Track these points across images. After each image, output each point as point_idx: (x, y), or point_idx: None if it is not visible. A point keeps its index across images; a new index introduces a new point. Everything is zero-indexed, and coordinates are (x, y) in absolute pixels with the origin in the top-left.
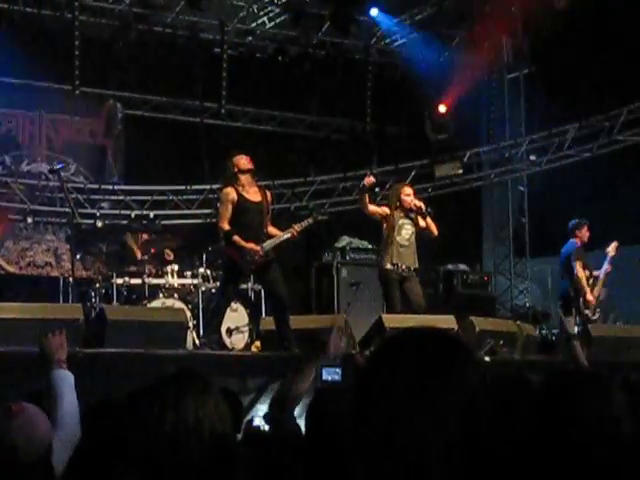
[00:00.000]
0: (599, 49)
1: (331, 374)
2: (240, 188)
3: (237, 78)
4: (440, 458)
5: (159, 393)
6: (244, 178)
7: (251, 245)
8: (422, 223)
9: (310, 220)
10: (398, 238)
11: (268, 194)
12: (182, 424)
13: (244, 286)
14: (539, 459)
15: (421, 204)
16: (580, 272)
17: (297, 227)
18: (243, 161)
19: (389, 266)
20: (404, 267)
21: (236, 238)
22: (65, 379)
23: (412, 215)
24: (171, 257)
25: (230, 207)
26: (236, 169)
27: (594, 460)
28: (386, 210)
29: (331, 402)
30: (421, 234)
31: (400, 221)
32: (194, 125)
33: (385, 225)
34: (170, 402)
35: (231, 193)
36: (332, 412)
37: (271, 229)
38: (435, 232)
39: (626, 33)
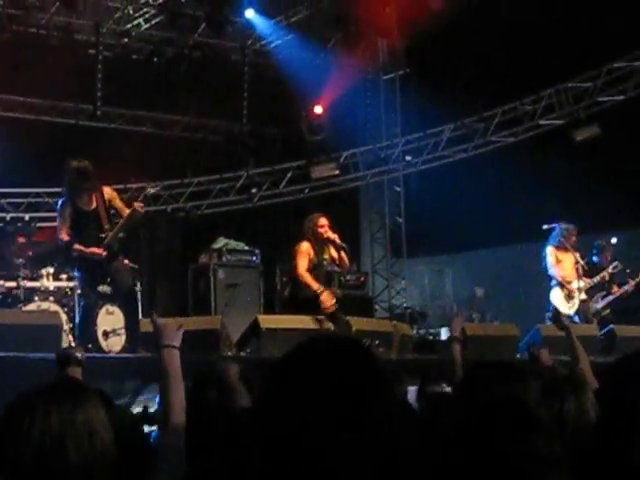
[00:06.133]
0: (474, 51)
1: None
2: (75, 198)
3: (113, 79)
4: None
5: (29, 404)
6: (79, 187)
7: (92, 249)
8: (334, 254)
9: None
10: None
11: (106, 193)
12: (47, 436)
13: None
14: None
15: (335, 237)
16: None
17: (137, 204)
18: (76, 173)
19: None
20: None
21: (77, 247)
22: None
23: (325, 246)
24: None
25: (68, 218)
26: (70, 178)
27: None
28: (311, 253)
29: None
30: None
31: (319, 257)
32: (70, 127)
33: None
34: (39, 413)
35: (65, 206)
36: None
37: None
38: (347, 265)
39: (501, 35)
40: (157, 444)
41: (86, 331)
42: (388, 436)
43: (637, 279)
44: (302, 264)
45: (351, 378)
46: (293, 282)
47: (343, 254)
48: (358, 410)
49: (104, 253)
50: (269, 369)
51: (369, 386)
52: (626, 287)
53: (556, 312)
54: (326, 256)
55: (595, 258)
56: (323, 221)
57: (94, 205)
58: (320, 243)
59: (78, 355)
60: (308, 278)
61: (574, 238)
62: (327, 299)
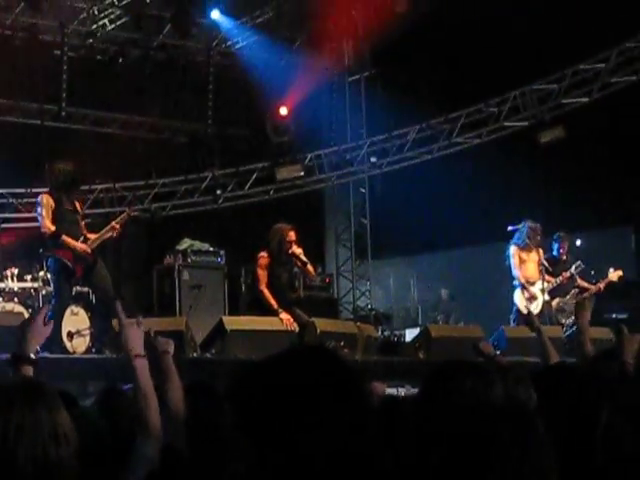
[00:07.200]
0: (439, 52)
1: None
2: (57, 196)
3: (78, 80)
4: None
5: None
6: (65, 188)
7: (82, 245)
8: (300, 265)
9: (125, 216)
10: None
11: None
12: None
13: (85, 289)
14: None
15: (300, 252)
16: None
17: (116, 224)
18: (64, 175)
19: None
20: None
21: (66, 238)
22: None
23: (288, 260)
24: None
25: (50, 211)
26: (60, 179)
27: None
28: (267, 260)
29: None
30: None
31: (278, 270)
32: (34, 127)
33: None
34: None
35: (49, 200)
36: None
37: (88, 235)
38: (313, 275)
39: (466, 37)
40: (132, 452)
41: (54, 330)
42: (359, 441)
43: (606, 280)
44: (262, 279)
45: (320, 385)
46: (254, 289)
47: (309, 267)
48: (329, 417)
49: (90, 251)
50: (237, 380)
51: (338, 393)
52: (601, 284)
53: (529, 313)
54: (288, 266)
55: (554, 252)
56: (292, 236)
57: (73, 207)
58: (284, 256)
59: (30, 354)
60: (268, 297)
61: (539, 237)
62: (287, 323)
